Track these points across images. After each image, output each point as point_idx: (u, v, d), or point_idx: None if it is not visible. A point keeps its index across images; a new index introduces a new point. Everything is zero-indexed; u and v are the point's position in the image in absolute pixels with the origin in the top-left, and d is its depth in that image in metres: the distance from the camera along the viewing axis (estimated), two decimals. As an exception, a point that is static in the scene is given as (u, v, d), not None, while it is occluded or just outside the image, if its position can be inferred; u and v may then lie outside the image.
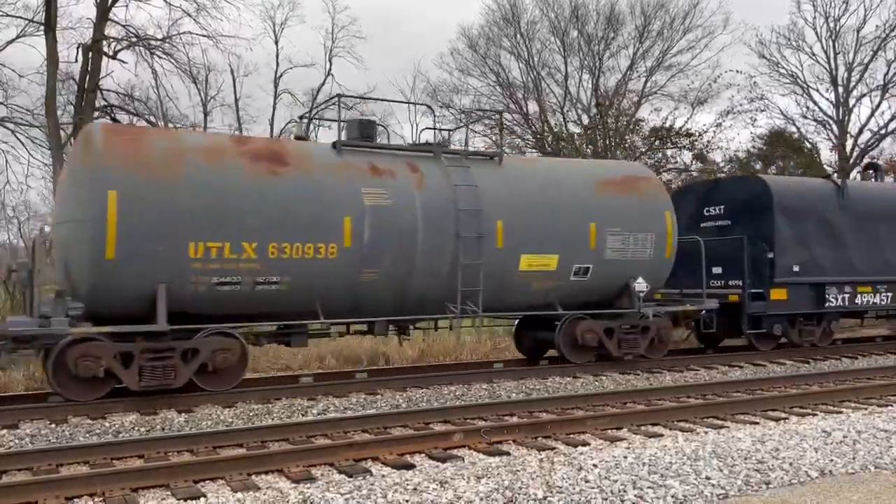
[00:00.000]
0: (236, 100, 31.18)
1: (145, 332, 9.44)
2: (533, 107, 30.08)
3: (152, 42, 22.50)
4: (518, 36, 29.71)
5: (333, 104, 33.13)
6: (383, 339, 13.24)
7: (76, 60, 21.41)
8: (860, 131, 29.76)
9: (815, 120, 30.24)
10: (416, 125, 42.81)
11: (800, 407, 9.21)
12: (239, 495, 5.60)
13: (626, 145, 28.88)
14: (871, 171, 18.54)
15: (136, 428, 8.41)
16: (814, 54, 29.90)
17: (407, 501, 5.40)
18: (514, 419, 8.55)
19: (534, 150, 29.82)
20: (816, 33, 29.89)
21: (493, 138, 30.81)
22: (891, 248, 15.45)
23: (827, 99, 30.19)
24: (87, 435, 8.13)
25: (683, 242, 13.82)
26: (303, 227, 10.18)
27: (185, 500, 5.66)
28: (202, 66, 25.68)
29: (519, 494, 5.53)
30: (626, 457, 6.48)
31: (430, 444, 7.24)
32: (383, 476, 6.14)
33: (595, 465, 6.22)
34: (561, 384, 11.32)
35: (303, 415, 9.18)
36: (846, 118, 29.81)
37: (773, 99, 36.44)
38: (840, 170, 28.75)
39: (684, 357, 13.88)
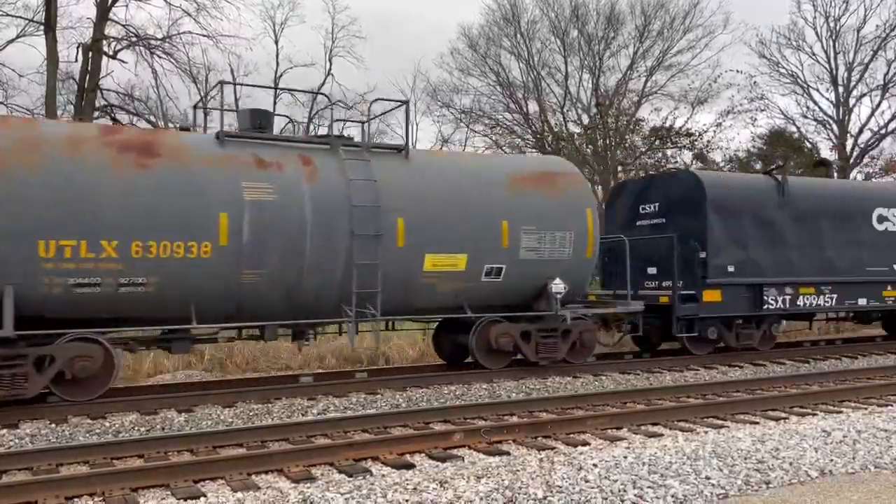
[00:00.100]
0: (236, 100, 31.11)
1: None
2: (533, 107, 30.16)
3: (152, 42, 22.53)
4: (518, 36, 29.77)
5: (333, 104, 33.24)
6: (384, 339, 13.16)
7: (76, 60, 21.45)
8: (860, 131, 29.82)
9: (815, 120, 30.30)
10: (417, 125, 42.80)
11: (800, 407, 9.21)
12: (239, 495, 5.60)
13: (626, 145, 28.93)
14: (823, 167, 17.95)
15: (136, 428, 8.41)
16: (814, 54, 29.96)
17: (407, 501, 5.40)
18: (514, 419, 8.54)
19: (534, 150, 29.84)
20: (816, 33, 29.95)
21: (493, 138, 30.92)
22: (834, 248, 14.79)
23: (827, 99, 30.26)
24: (87, 435, 8.13)
25: (620, 242, 13.57)
26: (172, 225, 9.48)
27: (185, 499, 5.65)
28: (202, 66, 25.68)
29: (519, 494, 5.53)
30: (626, 456, 6.48)
31: (429, 444, 7.24)
32: (383, 476, 6.13)
33: (595, 465, 6.22)
34: (561, 384, 11.32)
35: (303, 414, 9.17)
36: (846, 118, 29.85)
37: (774, 99, 36.57)
38: (840, 169, 28.78)
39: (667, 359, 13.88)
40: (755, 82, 29.94)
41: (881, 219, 15.40)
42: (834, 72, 29.69)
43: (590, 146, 28.58)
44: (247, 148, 10.39)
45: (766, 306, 13.96)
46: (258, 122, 10.85)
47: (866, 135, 29.72)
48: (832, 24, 29.58)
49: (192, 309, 9.69)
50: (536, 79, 29.67)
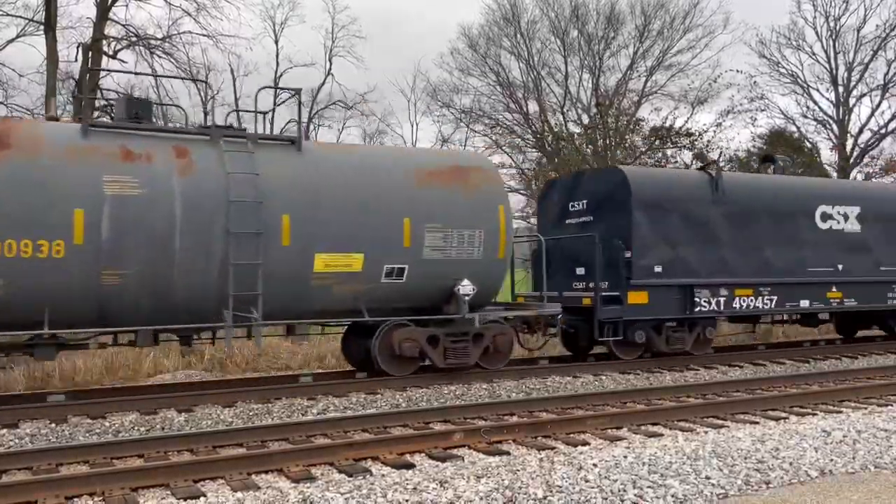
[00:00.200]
0: (236, 99, 31.18)
1: None
2: (533, 106, 30.13)
3: (152, 42, 22.53)
4: (518, 35, 29.74)
5: (332, 104, 33.29)
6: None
7: (76, 60, 21.42)
8: (860, 131, 29.82)
9: (815, 119, 30.30)
10: (417, 125, 42.84)
11: (800, 406, 9.21)
12: (239, 495, 5.60)
13: (627, 145, 28.91)
14: (768, 164, 17.30)
15: (136, 427, 8.41)
16: (814, 54, 29.96)
17: (407, 501, 5.40)
18: (514, 419, 8.54)
19: (534, 150, 29.85)
20: (817, 33, 29.94)
21: (493, 138, 30.91)
22: (774, 247, 14.06)
23: (827, 98, 30.26)
24: (87, 434, 8.13)
25: (552, 241, 13.22)
26: (18, 222, 8.78)
27: (185, 499, 5.65)
28: (202, 66, 25.68)
29: (519, 494, 5.53)
30: (625, 456, 6.48)
31: (429, 444, 7.23)
32: (383, 475, 6.13)
33: (595, 465, 6.22)
34: (561, 384, 11.32)
35: (302, 414, 9.17)
36: (846, 118, 29.85)
37: (774, 98, 36.57)
38: (840, 169, 28.79)
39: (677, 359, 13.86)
40: (755, 82, 29.96)
41: (825, 217, 14.72)
42: (834, 72, 29.70)
43: (590, 146, 28.55)
44: (116, 139, 9.65)
45: (697, 308, 13.24)
46: (134, 111, 10.07)
47: (866, 135, 29.75)
48: (832, 24, 29.59)
49: (46, 313, 8.96)
50: (536, 79, 29.66)
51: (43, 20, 20.75)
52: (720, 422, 8.44)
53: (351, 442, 7.12)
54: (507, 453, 7.01)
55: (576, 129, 29.70)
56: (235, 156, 10.04)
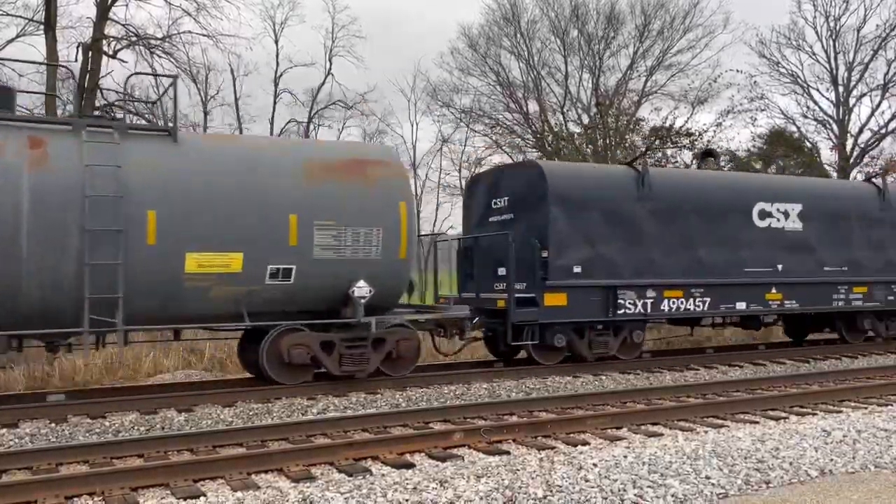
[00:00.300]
0: (236, 99, 31.14)
1: None
2: (533, 106, 30.15)
3: (152, 41, 22.51)
4: (518, 35, 29.75)
5: (332, 104, 33.29)
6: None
7: (76, 60, 21.41)
8: (860, 131, 29.79)
9: (815, 119, 30.27)
10: (417, 124, 42.83)
11: (800, 406, 9.21)
12: (239, 494, 5.60)
13: (627, 145, 28.92)
14: (709, 159, 16.63)
15: (136, 427, 8.41)
16: (814, 54, 29.93)
17: (407, 501, 5.40)
18: (514, 418, 8.54)
19: (534, 150, 29.85)
20: (817, 33, 29.90)
21: (493, 138, 30.92)
22: (707, 246, 13.31)
23: (827, 98, 30.23)
24: (87, 434, 8.13)
25: (477, 240, 12.72)
26: None
27: (185, 499, 5.65)
28: (202, 66, 25.69)
29: (519, 494, 5.53)
30: (625, 456, 6.48)
31: (429, 444, 7.23)
32: (383, 475, 6.13)
33: (595, 465, 6.22)
34: (561, 384, 11.32)
35: (302, 414, 9.17)
36: (846, 118, 29.83)
37: (774, 98, 36.53)
38: (840, 169, 28.78)
39: (679, 357, 13.86)
40: (755, 82, 29.93)
41: (763, 214, 13.99)
42: (834, 71, 29.67)
43: (590, 146, 28.57)
44: None
45: (621, 311, 12.51)
46: None
47: (866, 135, 29.71)
48: (832, 24, 29.56)
49: None
50: (536, 78, 29.66)
51: (43, 20, 20.75)
52: (720, 421, 8.44)
53: (351, 442, 7.11)
54: (507, 453, 7.01)
55: (576, 129, 29.73)
56: (97, 147, 9.28)
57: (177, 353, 13.91)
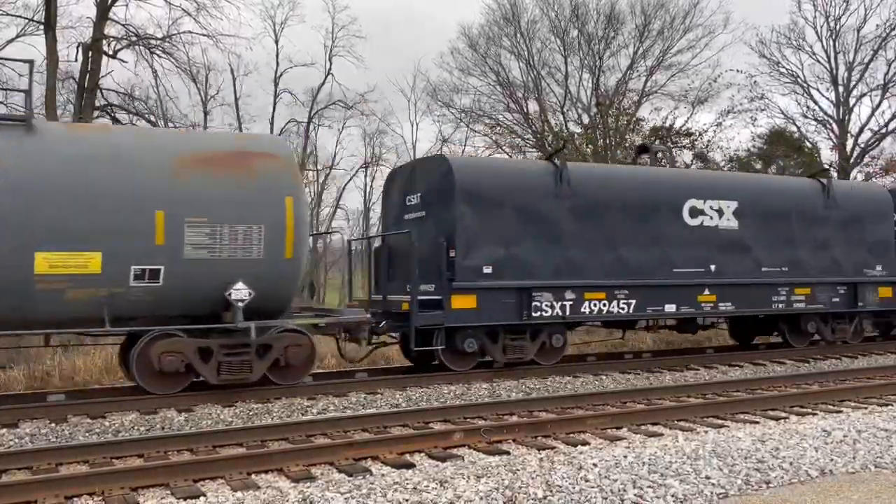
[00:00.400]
0: (236, 99, 31.24)
1: None
2: (533, 106, 30.16)
3: (152, 41, 22.55)
4: (518, 35, 29.76)
5: (332, 104, 33.29)
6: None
7: (76, 60, 21.45)
8: (860, 131, 29.82)
9: (815, 119, 30.29)
10: (417, 125, 42.86)
11: (800, 406, 9.20)
12: (239, 494, 5.60)
13: (627, 145, 28.93)
14: (643, 155, 16.07)
15: (136, 427, 8.41)
16: (814, 54, 29.94)
17: (407, 500, 5.40)
18: (514, 418, 8.54)
19: (534, 150, 29.85)
20: (817, 33, 29.91)
21: (493, 138, 30.94)
22: (632, 246, 12.57)
23: (827, 98, 30.25)
24: (87, 434, 8.13)
25: (397, 239, 12.02)
26: None
27: (185, 499, 5.65)
28: (202, 66, 25.71)
29: (519, 494, 5.52)
30: (625, 456, 6.48)
31: (429, 444, 7.23)
32: (383, 475, 6.13)
33: (595, 465, 6.22)
34: (561, 384, 11.32)
35: (302, 414, 9.17)
36: (846, 118, 29.84)
37: (774, 98, 36.52)
38: (840, 169, 28.78)
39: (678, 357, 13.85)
40: (755, 82, 29.95)
41: (695, 212, 13.21)
42: (834, 71, 29.68)
43: (590, 146, 28.58)
44: None
45: (537, 314, 11.76)
46: None
47: (866, 134, 29.76)
48: (832, 24, 29.57)
49: None
50: (536, 78, 29.68)
51: (43, 20, 20.76)
52: (720, 421, 8.44)
53: (351, 441, 7.11)
54: (507, 453, 7.01)
55: (576, 129, 29.73)
56: None
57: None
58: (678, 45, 29.17)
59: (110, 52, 21.79)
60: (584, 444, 7.32)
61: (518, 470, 6.08)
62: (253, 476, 6.28)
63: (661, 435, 7.71)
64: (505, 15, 29.84)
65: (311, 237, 14.97)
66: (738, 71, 29.40)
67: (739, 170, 28.44)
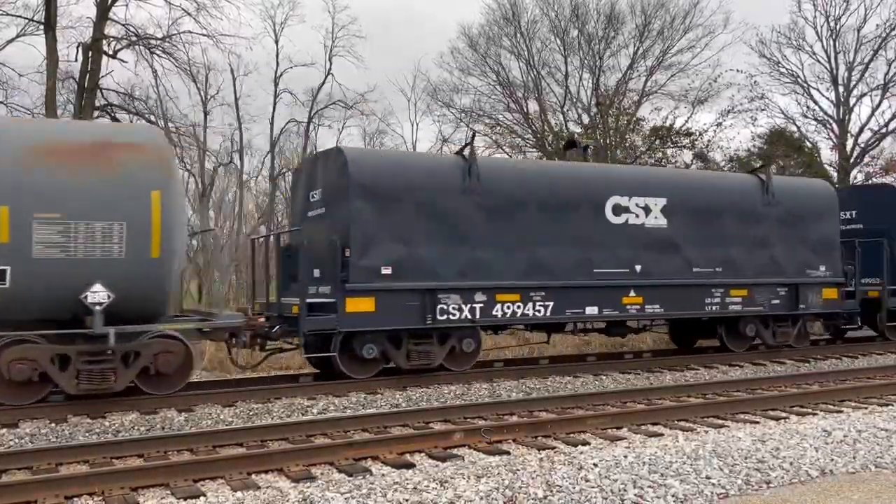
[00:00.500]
0: (236, 99, 31.17)
1: None
2: (533, 106, 30.15)
3: (152, 41, 22.52)
4: (518, 35, 29.75)
5: (332, 104, 33.27)
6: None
7: (76, 59, 21.43)
8: (860, 130, 29.83)
9: (815, 119, 30.30)
10: (417, 124, 42.86)
11: (800, 406, 9.20)
12: (239, 494, 5.60)
13: (627, 145, 28.94)
14: (572, 150, 15.49)
15: (136, 427, 8.41)
16: (814, 53, 29.95)
17: (407, 500, 5.40)
18: (514, 418, 8.54)
19: (534, 150, 29.86)
20: (817, 32, 29.91)
21: (494, 138, 30.92)
22: (549, 245, 11.83)
23: (827, 98, 30.26)
24: (87, 434, 8.13)
25: (297, 238, 11.34)
26: None
27: (185, 499, 5.65)
28: (202, 66, 25.68)
29: (519, 493, 5.52)
30: (626, 456, 6.48)
31: (429, 444, 7.23)
32: (383, 475, 6.13)
33: (595, 465, 6.22)
34: (561, 384, 11.32)
35: (302, 414, 9.17)
36: (847, 117, 29.85)
37: (774, 98, 36.47)
38: (840, 169, 28.79)
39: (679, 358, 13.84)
40: (755, 82, 29.95)
41: (619, 209, 12.45)
42: (834, 71, 29.69)
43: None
44: None
45: (443, 317, 11.09)
46: None
47: (866, 134, 29.76)
48: (832, 24, 29.57)
49: None
50: (536, 78, 29.66)
51: (43, 20, 20.75)
52: (720, 421, 8.43)
53: (351, 441, 7.11)
54: (508, 453, 7.01)
55: (576, 129, 29.72)
56: None
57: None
58: (678, 44, 29.18)
59: (110, 52, 21.78)
60: (585, 444, 7.32)
61: (518, 470, 6.08)
62: (253, 476, 6.28)
63: (662, 435, 7.71)
64: (505, 15, 29.84)
65: (190, 236, 13.76)
66: (738, 71, 29.42)
67: (740, 170, 28.46)
